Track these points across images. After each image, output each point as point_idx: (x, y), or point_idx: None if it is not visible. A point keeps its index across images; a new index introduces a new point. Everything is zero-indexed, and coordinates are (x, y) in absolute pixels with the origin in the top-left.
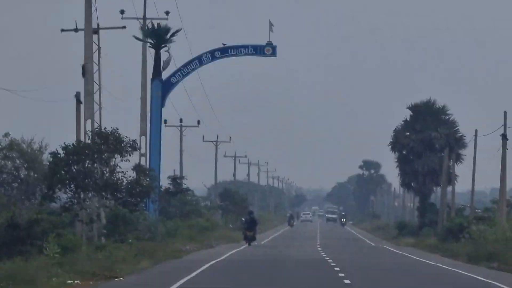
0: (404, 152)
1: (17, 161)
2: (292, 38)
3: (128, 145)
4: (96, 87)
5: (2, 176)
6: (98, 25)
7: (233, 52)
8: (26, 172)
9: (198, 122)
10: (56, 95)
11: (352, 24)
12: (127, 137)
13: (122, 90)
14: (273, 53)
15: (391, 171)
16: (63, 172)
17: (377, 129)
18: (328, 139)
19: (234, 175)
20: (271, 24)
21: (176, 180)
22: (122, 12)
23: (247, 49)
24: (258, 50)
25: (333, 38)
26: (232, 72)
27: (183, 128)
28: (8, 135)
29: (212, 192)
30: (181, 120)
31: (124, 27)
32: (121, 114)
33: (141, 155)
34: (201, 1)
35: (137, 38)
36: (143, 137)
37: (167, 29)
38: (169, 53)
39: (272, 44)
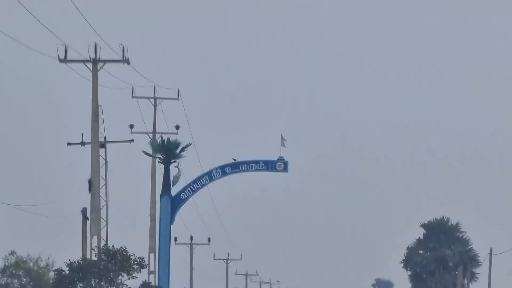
0: (417, 270)
1: (24, 279)
2: (303, 149)
3: (136, 262)
4: (103, 202)
5: None
6: (105, 138)
7: (244, 167)
8: None
9: (209, 239)
10: (62, 211)
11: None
12: (134, 254)
13: (130, 205)
14: (285, 169)
15: None
16: None
17: (390, 247)
18: (341, 256)
19: None
20: (283, 139)
21: None
22: (131, 126)
23: (258, 165)
24: (269, 166)
25: (346, 149)
26: (243, 186)
27: (194, 246)
28: (14, 253)
29: None
30: (191, 238)
31: (132, 140)
32: (129, 231)
33: (150, 272)
34: (211, 115)
35: (146, 153)
36: (151, 255)
37: (177, 144)
38: (178, 168)
39: (283, 159)
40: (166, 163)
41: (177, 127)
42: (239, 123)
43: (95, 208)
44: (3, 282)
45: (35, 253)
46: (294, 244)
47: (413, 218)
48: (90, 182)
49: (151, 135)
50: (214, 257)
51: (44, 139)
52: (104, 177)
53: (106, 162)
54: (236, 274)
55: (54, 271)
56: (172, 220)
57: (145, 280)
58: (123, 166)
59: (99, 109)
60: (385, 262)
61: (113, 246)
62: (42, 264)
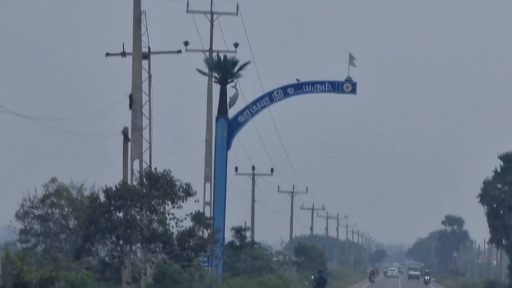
0: (494, 206)
1: (66, 209)
2: (373, 74)
3: (181, 189)
4: (146, 121)
5: (49, 226)
6: (149, 49)
7: (308, 88)
8: (75, 222)
9: (272, 170)
10: (102, 129)
11: (440, 67)
12: (180, 180)
13: (181, 128)
14: (353, 90)
15: (475, 227)
16: (103, 220)
17: (461, 182)
18: (409, 192)
19: (311, 228)
20: (352, 57)
21: (240, 232)
22: (186, 43)
23: (323, 86)
24: (336, 87)
25: (418, 81)
26: (306, 109)
27: (256, 177)
28: (56, 180)
29: (288, 246)
30: (253, 168)
31: (179, 51)
32: (182, 157)
33: (205, 203)
34: (273, 32)
35: (201, 72)
36: (207, 184)
37: (234, 62)
38: (236, 88)
39: (351, 80)
40: (223, 82)
41: (235, 45)
42: (303, 40)
43: (137, 127)
44: (43, 213)
45: (78, 180)
46: (361, 177)
47: (490, 148)
48: (131, 97)
49: (207, 54)
50: (278, 189)
51: (81, 48)
52: (147, 93)
53: (150, 76)
54: (302, 208)
55: (88, 197)
56: (229, 145)
57: (198, 210)
58: (171, 82)
59: (143, 15)
60: (457, 197)
61: (156, 169)
62: (87, 192)
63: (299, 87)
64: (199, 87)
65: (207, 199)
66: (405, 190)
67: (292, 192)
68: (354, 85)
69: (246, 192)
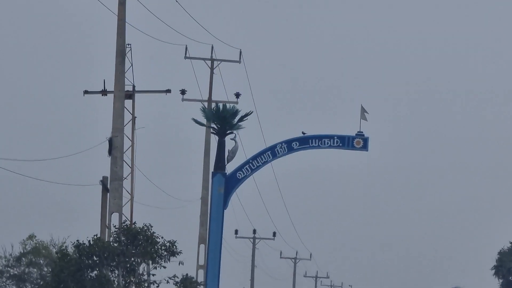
0: (510, 278)
1: (45, 269)
2: (385, 129)
3: (164, 247)
4: (128, 170)
5: (26, 287)
6: (133, 87)
7: (315, 143)
8: (41, 282)
9: (274, 234)
10: (82, 176)
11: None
12: (162, 237)
13: (175, 183)
14: (364, 147)
15: None
16: (72, 280)
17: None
18: (417, 260)
19: None
20: (363, 110)
21: None
22: (183, 92)
23: (332, 140)
24: (345, 142)
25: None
26: (312, 166)
27: (256, 241)
28: (34, 237)
29: None
30: (254, 231)
31: (168, 90)
32: (176, 215)
33: (199, 267)
34: (278, 83)
35: (197, 122)
36: (202, 245)
37: (234, 112)
38: (235, 141)
39: (363, 134)
40: (221, 134)
41: (237, 95)
42: (310, 91)
43: (117, 176)
44: (19, 272)
45: (59, 236)
46: (368, 243)
47: (506, 218)
48: (110, 141)
49: (205, 104)
50: (281, 255)
51: (58, 87)
52: (130, 138)
53: (133, 117)
54: (305, 276)
55: (57, 252)
56: (225, 204)
57: (186, 274)
58: (165, 131)
59: (127, 48)
60: (467, 268)
61: (135, 224)
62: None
63: (305, 141)
64: (196, 139)
65: (201, 262)
66: (412, 259)
67: (295, 258)
68: (365, 140)
69: (246, 257)
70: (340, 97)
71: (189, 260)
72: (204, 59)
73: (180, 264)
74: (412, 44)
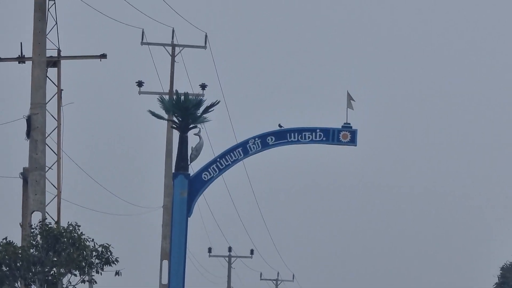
0: None
1: None
2: (376, 121)
3: (96, 254)
4: (53, 157)
5: None
6: (59, 51)
7: (294, 137)
8: None
9: (252, 251)
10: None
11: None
12: (93, 240)
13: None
14: (352, 140)
15: None
16: None
17: (474, 266)
18: (416, 282)
19: None
20: (350, 98)
21: None
22: (140, 84)
23: (313, 134)
24: (330, 136)
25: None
26: (293, 168)
27: (232, 259)
28: None
29: None
30: (230, 249)
31: (103, 56)
32: (134, 225)
33: (162, 286)
34: (251, 71)
35: (154, 115)
36: (165, 262)
37: (198, 102)
38: (200, 136)
39: (350, 126)
40: (183, 129)
41: (203, 86)
42: (288, 80)
43: (37, 165)
44: None
45: None
46: (356, 261)
47: (508, 231)
48: (28, 120)
49: (166, 97)
50: (261, 277)
51: None
52: (57, 117)
53: (59, 90)
54: None
55: None
56: (190, 210)
57: None
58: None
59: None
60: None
61: (56, 223)
62: None
63: (282, 136)
64: (157, 137)
65: (165, 281)
66: (413, 279)
67: (277, 280)
68: (353, 133)
69: (221, 277)
70: (323, 86)
71: (150, 278)
72: (164, 44)
73: (117, 275)
74: (405, 25)
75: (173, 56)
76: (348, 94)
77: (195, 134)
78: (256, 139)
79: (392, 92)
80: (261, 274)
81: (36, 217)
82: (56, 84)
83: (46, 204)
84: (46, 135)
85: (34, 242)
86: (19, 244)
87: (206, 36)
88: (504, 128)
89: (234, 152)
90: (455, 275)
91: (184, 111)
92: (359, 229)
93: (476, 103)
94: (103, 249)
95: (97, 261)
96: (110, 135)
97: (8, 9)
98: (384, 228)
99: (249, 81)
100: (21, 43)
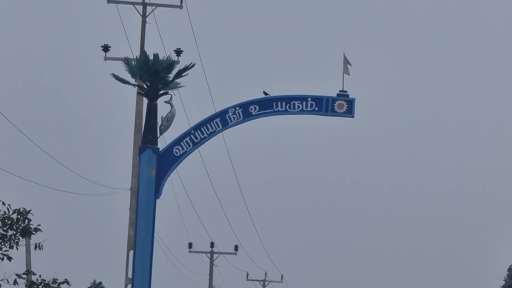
0: None
1: None
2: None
3: (8, 221)
4: None
5: None
6: None
7: (281, 107)
8: None
9: (236, 247)
10: None
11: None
12: (4, 203)
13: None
14: (349, 111)
15: None
16: None
17: (478, 265)
18: (411, 275)
19: None
20: (346, 61)
21: None
22: (106, 49)
23: (305, 103)
24: (323, 106)
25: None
26: (278, 140)
27: (215, 256)
28: None
29: None
30: (212, 245)
31: None
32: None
33: (128, 281)
34: (233, 33)
35: (118, 79)
36: (131, 252)
37: (170, 64)
38: (172, 104)
39: (347, 94)
40: (152, 95)
41: (178, 52)
42: (275, 43)
43: None
44: None
45: None
46: (348, 261)
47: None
48: None
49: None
50: (247, 277)
51: None
52: None
53: None
54: None
55: None
56: (158, 191)
57: (94, 281)
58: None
59: None
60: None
61: None
62: None
63: (267, 105)
64: (125, 107)
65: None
66: (405, 276)
67: (264, 280)
68: (350, 103)
69: (203, 275)
70: (315, 49)
71: (115, 272)
72: (133, 3)
73: (37, 248)
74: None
75: (144, 16)
76: (345, 58)
77: (165, 102)
78: (237, 108)
79: (396, 58)
80: (247, 274)
81: None
82: None
83: None
84: None
85: None
86: None
87: None
88: None
89: (211, 123)
90: (462, 276)
91: (153, 75)
92: (355, 229)
93: (484, 73)
94: (19, 216)
95: (10, 231)
96: (71, 106)
97: None
98: (384, 228)
99: (230, 45)
100: None
